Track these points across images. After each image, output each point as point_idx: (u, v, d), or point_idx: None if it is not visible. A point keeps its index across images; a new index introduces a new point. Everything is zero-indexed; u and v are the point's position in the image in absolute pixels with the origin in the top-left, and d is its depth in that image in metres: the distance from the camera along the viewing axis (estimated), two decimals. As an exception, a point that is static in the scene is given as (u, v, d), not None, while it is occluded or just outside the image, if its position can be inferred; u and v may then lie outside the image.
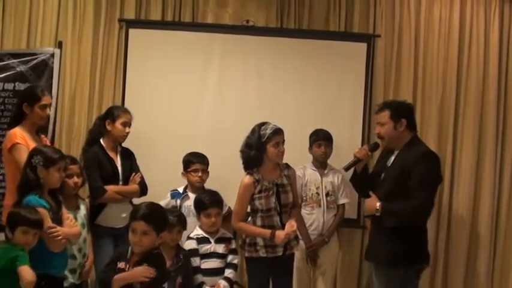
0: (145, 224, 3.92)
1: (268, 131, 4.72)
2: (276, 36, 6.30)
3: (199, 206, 5.03)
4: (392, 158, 4.76)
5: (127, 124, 5.21)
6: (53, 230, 4.08)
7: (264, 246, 4.76)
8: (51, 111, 5.59)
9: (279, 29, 6.37)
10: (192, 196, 5.33)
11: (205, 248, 4.91)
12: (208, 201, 4.99)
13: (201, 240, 4.89)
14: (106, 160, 5.08)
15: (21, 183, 4.20)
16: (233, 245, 5.09)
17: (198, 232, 4.97)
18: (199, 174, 5.38)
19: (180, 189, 5.47)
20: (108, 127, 5.17)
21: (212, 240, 4.94)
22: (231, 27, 6.32)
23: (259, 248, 4.77)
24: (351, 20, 6.42)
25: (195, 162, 5.41)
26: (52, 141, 5.74)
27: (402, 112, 4.67)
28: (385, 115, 4.68)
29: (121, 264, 3.99)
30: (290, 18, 6.38)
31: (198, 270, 4.86)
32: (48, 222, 4.07)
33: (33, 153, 4.25)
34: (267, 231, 4.71)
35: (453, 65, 6.41)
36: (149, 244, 3.94)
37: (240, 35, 6.26)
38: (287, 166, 4.96)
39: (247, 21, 6.30)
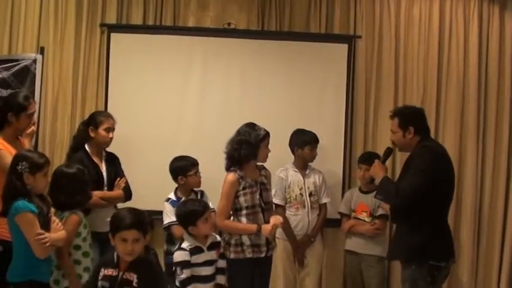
0: (137, 231, 3.85)
1: (262, 132, 4.87)
2: (258, 38, 6.34)
3: (194, 215, 4.73)
4: None
5: (110, 129, 5.20)
6: (41, 236, 4.03)
7: (250, 245, 4.80)
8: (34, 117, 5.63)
9: (260, 32, 6.40)
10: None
11: (200, 257, 4.73)
12: (200, 207, 4.79)
13: (193, 251, 4.70)
14: (91, 166, 5.05)
15: (7, 191, 4.13)
16: (221, 249, 5.03)
17: (189, 242, 4.73)
18: (200, 175, 5.44)
19: (172, 196, 5.44)
20: (92, 134, 5.15)
21: (205, 249, 4.79)
22: (212, 30, 6.35)
23: (246, 248, 4.80)
24: (331, 21, 6.45)
25: (195, 164, 5.43)
26: (36, 147, 5.74)
27: (410, 120, 4.74)
28: (395, 123, 4.79)
29: (107, 271, 3.89)
30: (271, 20, 6.41)
31: (192, 280, 4.68)
32: (38, 228, 4.03)
33: (17, 160, 4.17)
34: (253, 226, 4.77)
35: (433, 64, 6.47)
36: (140, 250, 3.91)
37: (221, 38, 6.30)
38: (263, 167, 5.07)
39: (229, 24, 6.32)
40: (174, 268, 4.63)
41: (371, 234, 5.65)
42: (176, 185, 5.47)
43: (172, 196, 5.43)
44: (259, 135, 4.85)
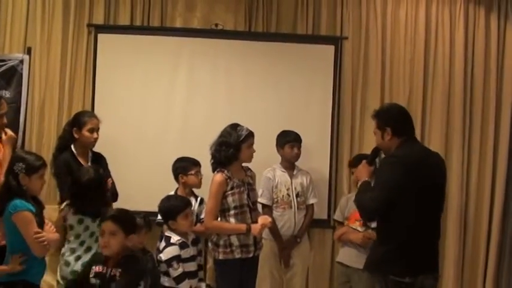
0: (113, 223, 3.89)
1: (244, 132, 4.88)
2: (245, 39, 6.36)
3: (175, 210, 4.81)
4: None
5: (94, 130, 5.18)
6: (39, 235, 4.01)
7: (239, 246, 4.82)
8: (21, 117, 5.63)
9: (248, 33, 6.42)
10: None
11: (187, 252, 4.77)
12: (181, 203, 4.86)
13: (182, 245, 4.75)
14: (76, 167, 5.00)
15: (3, 190, 4.12)
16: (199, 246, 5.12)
17: (176, 237, 4.77)
18: (200, 176, 5.45)
19: (173, 193, 5.39)
20: (76, 135, 5.13)
21: (189, 244, 4.85)
22: (199, 31, 6.35)
23: (235, 249, 4.82)
24: (318, 22, 6.47)
25: (197, 164, 5.45)
26: (22, 147, 5.74)
27: (386, 121, 4.46)
28: (375, 125, 4.54)
29: (97, 268, 3.91)
30: (258, 21, 6.42)
31: (185, 275, 4.71)
32: (35, 227, 4.02)
33: (15, 161, 4.16)
34: (243, 225, 4.79)
35: (419, 65, 6.50)
36: (117, 246, 3.88)
37: (208, 39, 6.30)
38: (248, 168, 5.10)
39: (216, 25, 6.33)
40: (169, 264, 4.60)
41: (361, 242, 5.24)
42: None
43: (172, 194, 5.40)
44: (240, 136, 4.86)
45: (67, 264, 4.55)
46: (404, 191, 4.21)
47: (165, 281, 4.64)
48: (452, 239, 6.48)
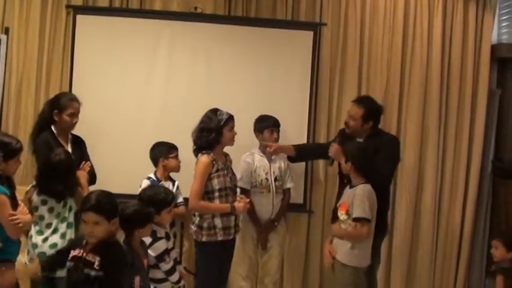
0: (95, 214, 3.82)
1: (225, 116, 5.01)
2: (224, 23, 6.34)
3: (162, 204, 4.59)
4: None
5: (74, 114, 5.14)
6: (14, 217, 3.99)
7: (222, 228, 4.95)
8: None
9: (227, 17, 6.40)
10: (165, 183, 5.36)
11: (170, 243, 4.74)
12: (169, 198, 4.68)
13: (167, 237, 4.70)
14: (56, 147, 4.96)
15: None
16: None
17: (162, 230, 4.64)
18: (179, 160, 5.51)
19: (152, 176, 5.45)
20: (56, 118, 5.09)
21: (171, 234, 4.88)
22: (179, 14, 6.32)
23: (218, 231, 4.94)
24: (297, 8, 6.46)
25: (176, 148, 5.50)
26: (-2, 129, 5.72)
27: (373, 115, 5.33)
28: (359, 112, 5.30)
29: (75, 252, 3.86)
30: (238, 5, 6.40)
31: (174, 266, 4.65)
32: (9, 209, 4.00)
33: None
34: (227, 205, 4.96)
35: (397, 54, 6.53)
36: (102, 233, 3.84)
37: (188, 22, 6.27)
38: (227, 154, 5.22)
39: (195, 8, 6.31)
40: (160, 258, 4.52)
41: (338, 236, 5.08)
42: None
43: (152, 176, 5.45)
44: (221, 121, 4.98)
45: (34, 246, 4.57)
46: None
47: (155, 273, 4.55)
48: (425, 230, 6.60)
